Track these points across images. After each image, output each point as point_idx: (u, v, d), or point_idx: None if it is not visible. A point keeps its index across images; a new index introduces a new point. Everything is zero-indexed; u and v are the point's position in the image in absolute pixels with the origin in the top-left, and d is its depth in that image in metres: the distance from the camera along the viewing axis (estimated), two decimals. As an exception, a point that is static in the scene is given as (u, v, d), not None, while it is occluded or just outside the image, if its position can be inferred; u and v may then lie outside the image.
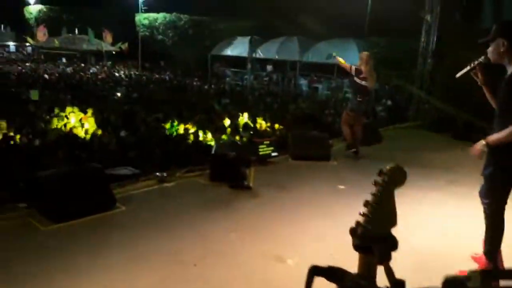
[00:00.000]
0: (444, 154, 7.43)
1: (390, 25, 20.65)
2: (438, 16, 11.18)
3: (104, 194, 4.20)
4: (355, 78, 6.45)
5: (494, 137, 3.05)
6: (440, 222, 4.36)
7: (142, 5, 30.72)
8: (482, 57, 3.27)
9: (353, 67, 6.53)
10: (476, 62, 3.33)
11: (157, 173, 5.24)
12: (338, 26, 23.01)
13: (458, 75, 3.43)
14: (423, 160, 6.97)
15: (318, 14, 24.04)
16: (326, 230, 4.10)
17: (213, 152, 5.48)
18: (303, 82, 25.70)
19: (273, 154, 6.45)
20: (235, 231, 3.99)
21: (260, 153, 6.27)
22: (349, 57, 22.73)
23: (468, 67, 3.36)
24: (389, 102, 19.72)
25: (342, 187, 5.51)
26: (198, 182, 5.31)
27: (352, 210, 4.54)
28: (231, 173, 5.16)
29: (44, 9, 39.51)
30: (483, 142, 3.02)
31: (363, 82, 6.38)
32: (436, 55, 11.37)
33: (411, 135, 9.36)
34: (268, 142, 6.42)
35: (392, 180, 1.51)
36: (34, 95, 14.89)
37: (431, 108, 11.18)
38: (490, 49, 3.16)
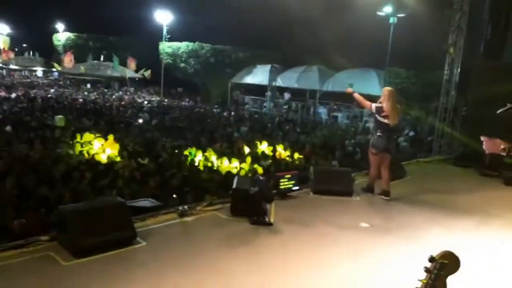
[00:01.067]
0: (471, 192, 7.20)
1: (413, 56, 20.62)
2: (461, 50, 11.11)
3: (126, 229, 4.17)
4: (377, 116, 6.31)
5: None
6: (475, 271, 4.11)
7: (166, 34, 31.60)
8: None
9: (373, 106, 6.36)
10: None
11: (178, 207, 5.19)
12: (358, 56, 23.10)
13: (499, 111, 3.42)
14: (448, 198, 6.76)
15: (338, 43, 24.21)
16: (350, 274, 3.96)
17: (234, 186, 5.41)
18: (323, 110, 25.72)
19: (294, 188, 6.35)
20: (256, 272, 3.89)
21: (281, 187, 6.19)
22: (369, 87, 23.02)
23: (509, 105, 3.36)
24: (411, 133, 19.49)
25: (365, 225, 5.36)
26: (219, 217, 5.23)
27: (376, 251, 4.42)
28: (252, 209, 5.08)
29: (72, 37, 41.09)
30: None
31: (386, 120, 6.23)
32: (459, 89, 11.23)
33: (435, 170, 9.13)
34: (289, 176, 6.34)
35: (444, 269, 1.40)
36: (60, 121, 15.22)
37: (455, 142, 10.97)
38: None
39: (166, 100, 29.63)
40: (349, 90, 6.82)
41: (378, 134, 6.32)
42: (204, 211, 5.34)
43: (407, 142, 17.14)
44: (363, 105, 6.69)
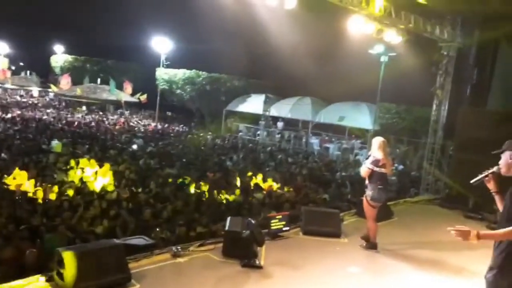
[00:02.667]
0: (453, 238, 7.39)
1: (403, 92, 21.18)
2: (448, 93, 11.55)
3: (121, 272, 4.30)
4: (375, 168, 6.03)
5: (489, 232, 3.15)
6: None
7: (164, 61, 32.16)
8: (496, 167, 3.44)
9: (368, 163, 6.10)
10: (490, 171, 3.49)
11: (172, 247, 5.33)
12: (350, 89, 23.64)
13: (472, 181, 3.60)
14: (433, 241, 6.93)
15: (331, 77, 24.82)
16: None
17: (227, 227, 5.57)
18: (315, 141, 26.07)
19: (285, 228, 6.52)
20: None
21: (272, 227, 6.36)
22: (361, 121, 23.33)
23: (483, 174, 3.53)
24: (400, 167, 19.82)
25: (353, 270, 5.52)
26: (211, 258, 5.36)
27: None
28: (243, 251, 5.23)
29: (70, 59, 41.51)
30: (475, 232, 3.05)
31: (383, 170, 6.05)
32: (446, 130, 11.59)
33: (422, 211, 9.34)
34: (280, 216, 6.52)
35: None
36: (57, 147, 15.24)
37: (441, 182, 11.25)
38: (501, 161, 3.35)
39: (160, 125, 29.84)
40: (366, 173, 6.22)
41: (379, 186, 6.04)
42: (197, 252, 5.47)
43: (395, 176, 17.43)
44: (366, 173, 6.20)
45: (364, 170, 6.16)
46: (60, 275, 4.10)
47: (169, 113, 34.81)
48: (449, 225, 7.83)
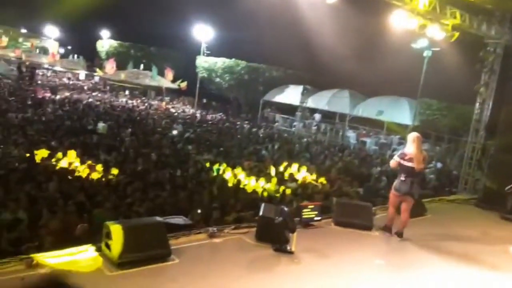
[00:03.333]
0: (488, 237, 7.34)
1: (445, 88, 20.62)
2: (493, 91, 11.22)
3: (163, 247, 4.67)
4: (401, 161, 6.45)
5: None
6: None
7: (204, 49, 32.69)
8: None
9: (397, 158, 6.52)
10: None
11: (208, 228, 5.66)
12: (391, 84, 23.25)
13: (507, 188, 3.65)
14: (463, 239, 6.92)
15: (370, 70, 24.43)
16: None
17: (260, 213, 5.83)
18: (352, 135, 25.85)
19: (316, 218, 6.71)
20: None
21: (304, 216, 6.57)
22: (400, 116, 22.92)
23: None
24: (438, 165, 19.37)
25: (380, 262, 5.65)
26: (244, 241, 5.66)
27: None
28: (275, 237, 5.48)
29: (115, 44, 42.89)
30: None
31: (410, 164, 6.36)
32: (488, 130, 11.29)
33: (456, 210, 9.23)
34: (312, 206, 6.71)
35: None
36: (103, 129, 16.03)
37: (480, 182, 11.02)
38: None
39: (198, 112, 30.49)
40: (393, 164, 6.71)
41: (401, 178, 6.44)
42: (231, 234, 5.78)
43: (433, 174, 17.11)
44: (396, 165, 6.65)
45: (391, 162, 6.74)
46: (108, 246, 4.50)
47: (204, 100, 35.43)
48: (483, 225, 7.80)
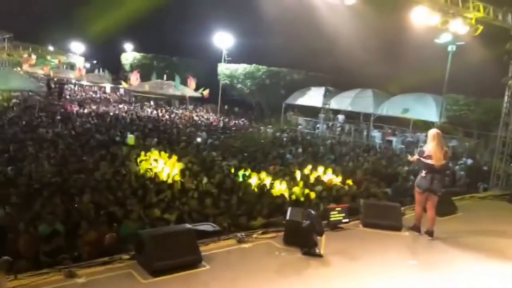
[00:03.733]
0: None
1: (472, 83, 20.14)
2: (522, 83, 10.91)
3: (193, 253, 4.76)
4: (421, 159, 6.57)
5: None
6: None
7: (225, 57, 33.04)
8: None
9: (417, 155, 6.73)
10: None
11: (237, 234, 5.73)
12: (415, 81, 22.86)
13: None
14: (497, 240, 6.73)
15: (393, 68, 24.13)
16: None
17: (288, 217, 5.86)
18: (377, 134, 25.53)
19: (344, 220, 6.68)
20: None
21: (331, 219, 6.55)
22: (426, 113, 22.48)
23: None
24: (469, 161, 18.88)
25: (412, 262, 5.58)
26: (273, 245, 5.69)
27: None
28: (304, 240, 5.50)
29: (138, 56, 43.88)
30: None
31: (429, 161, 6.44)
32: (520, 123, 10.98)
33: (488, 207, 8.98)
34: (339, 209, 6.69)
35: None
36: (131, 140, 16.35)
37: (510, 177, 10.71)
38: None
39: (222, 119, 30.78)
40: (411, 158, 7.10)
41: (422, 175, 6.55)
42: (260, 239, 5.83)
43: (464, 171, 16.70)
44: (414, 161, 6.98)
45: (410, 157, 7.02)
46: (141, 254, 4.62)
47: (236, 109, 35.78)
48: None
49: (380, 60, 24.12)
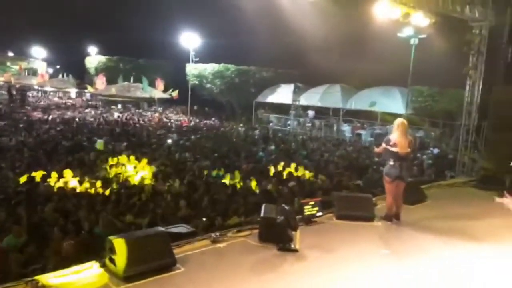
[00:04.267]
0: (489, 217, 7.36)
1: (435, 74, 20.73)
2: (482, 73, 11.29)
3: (167, 256, 4.66)
4: (387, 146, 6.66)
5: None
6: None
7: (193, 56, 32.76)
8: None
9: (384, 144, 6.75)
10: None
11: (211, 234, 5.66)
12: (380, 74, 23.34)
13: None
14: (466, 223, 6.91)
15: (360, 63, 24.53)
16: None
17: (262, 214, 5.84)
18: (347, 128, 25.96)
19: (318, 214, 6.72)
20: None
21: (306, 213, 6.58)
22: (393, 106, 22.97)
23: None
24: (435, 150, 19.47)
25: (385, 251, 5.67)
26: (248, 243, 5.66)
27: (395, 276, 4.71)
28: (279, 236, 5.49)
29: (103, 59, 42.87)
30: None
31: (394, 149, 6.57)
32: (481, 111, 11.36)
33: (456, 194, 9.23)
34: (313, 202, 6.72)
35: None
36: (100, 145, 15.94)
37: (477, 164, 11.08)
38: None
39: (192, 120, 30.54)
40: (376, 149, 7.12)
41: (390, 163, 6.66)
42: (235, 237, 5.78)
43: (431, 160, 17.19)
44: (382, 151, 6.90)
45: (378, 149, 7.01)
46: (112, 261, 4.49)
47: (206, 109, 35.53)
48: (484, 206, 7.82)
49: (346, 55, 24.50)
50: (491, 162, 9.61)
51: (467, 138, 11.74)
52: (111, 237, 4.53)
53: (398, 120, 6.78)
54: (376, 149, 7.06)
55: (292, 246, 5.48)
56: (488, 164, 9.74)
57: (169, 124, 27.24)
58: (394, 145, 6.59)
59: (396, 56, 20.60)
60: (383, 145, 6.73)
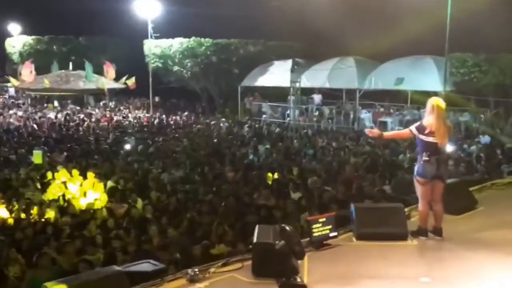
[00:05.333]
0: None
1: (480, 37, 20.89)
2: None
3: (126, 306, 4.64)
4: (419, 136, 6.68)
5: None
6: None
7: (152, 31, 32.57)
8: None
9: (413, 128, 6.80)
10: None
11: (188, 270, 5.62)
12: (408, 40, 23.45)
13: None
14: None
15: (378, 26, 24.66)
16: None
17: (255, 239, 5.82)
18: (366, 115, 26.07)
19: (332, 234, 6.72)
20: None
21: (315, 234, 6.57)
22: (426, 82, 23.14)
23: None
24: (486, 139, 19.63)
25: (425, 279, 5.69)
26: (238, 280, 5.62)
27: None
28: (279, 268, 5.47)
29: (30, 41, 42.44)
30: None
31: (430, 139, 6.58)
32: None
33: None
34: (324, 219, 6.71)
35: None
36: (37, 158, 15.82)
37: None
38: None
39: (156, 116, 30.48)
40: (374, 132, 7.29)
41: (424, 158, 6.61)
42: (220, 274, 5.76)
43: (481, 152, 17.32)
44: (402, 137, 7.32)
45: (403, 130, 7.17)
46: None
47: (156, 99, 35.46)
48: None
49: (360, 15, 24.58)
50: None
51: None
52: (48, 284, 4.50)
53: (433, 100, 6.74)
54: (374, 131, 7.17)
55: (298, 280, 5.46)
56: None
57: (125, 123, 27.14)
58: (430, 133, 6.56)
59: (427, 15, 20.71)
60: (414, 130, 6.72)
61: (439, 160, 6.63)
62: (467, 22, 19.69)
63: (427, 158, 6.59)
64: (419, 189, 6.82)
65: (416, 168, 6.84)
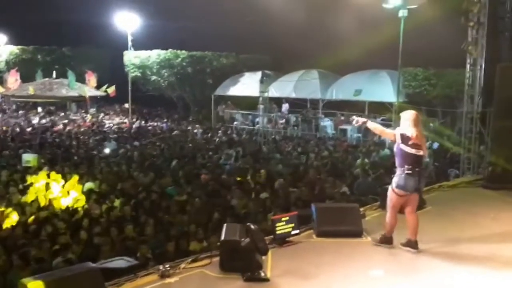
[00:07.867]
0: (501, 223, 7.58)
1: (430, 54, 21.29)
2: (484, 48, 11.62)
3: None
4: (402, 146, 6.09)
5: None
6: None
7: (131, 43, 32.19)
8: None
9: (398, 133, 6.17)
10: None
11: (159, 266, 5.55)
12: (365, 56, 23.73)
13: None
14: (474, 232, 7.10)
15: (339, 43, 24.89)
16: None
17: (222, 237, 5.79)
18: (328, 123, 26.25)
19: (294, 232, 6.72)
20: None
21: (278, 232, 6.57)
22: (382, 93, 23.36)
23: None
24: (435, 145, 19.98)
25: (376, 273, 5.74)
26: (207, 275, 5.58)
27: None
28: (244, 263, 5.45)
29: (16, 51, 41.54)
30: None
31: (413, 151, 6.03)
32: (485, 93, 11.70)
33: (461, 197, 9.44)
34: (287, 218, 6.71)
35: None
36: (33, 160, 15.34)
37: (484, 158, 11.43)
38: None
39: (136, 121, 30.18)
40: (360, 120, 6.69)
41: (407, 172, 6.02)
42: (189, 269, 5.70)
43: (430, 157, 17.59)
44: (384, 134, 6.88)
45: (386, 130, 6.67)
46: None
47: (127, 105, 35.03)
48: (495, 209, 8.04)
49: (322, 33, 24.78)
50: (501, 155, 9.90)
51: (471, 129, 12.08)
52: (24, 280, 4.37)
53: (412, 113, 6.17)
54: (360, 119, 6.61)
55: (262, 274, 5.46)
56: (497, 158, 10.03)
57: (105, 129, 26.77)
58: (414, 145, 6.01)
59: (382, 33, 21.00)
60: (397, 135, 6.11)
61: (420, 173, 6.14)
62: (418, 40, 20.02)
63: (409, 172, 6.02)
64: (393, 200, 6.30)
65: (396, 180, 6.18)
